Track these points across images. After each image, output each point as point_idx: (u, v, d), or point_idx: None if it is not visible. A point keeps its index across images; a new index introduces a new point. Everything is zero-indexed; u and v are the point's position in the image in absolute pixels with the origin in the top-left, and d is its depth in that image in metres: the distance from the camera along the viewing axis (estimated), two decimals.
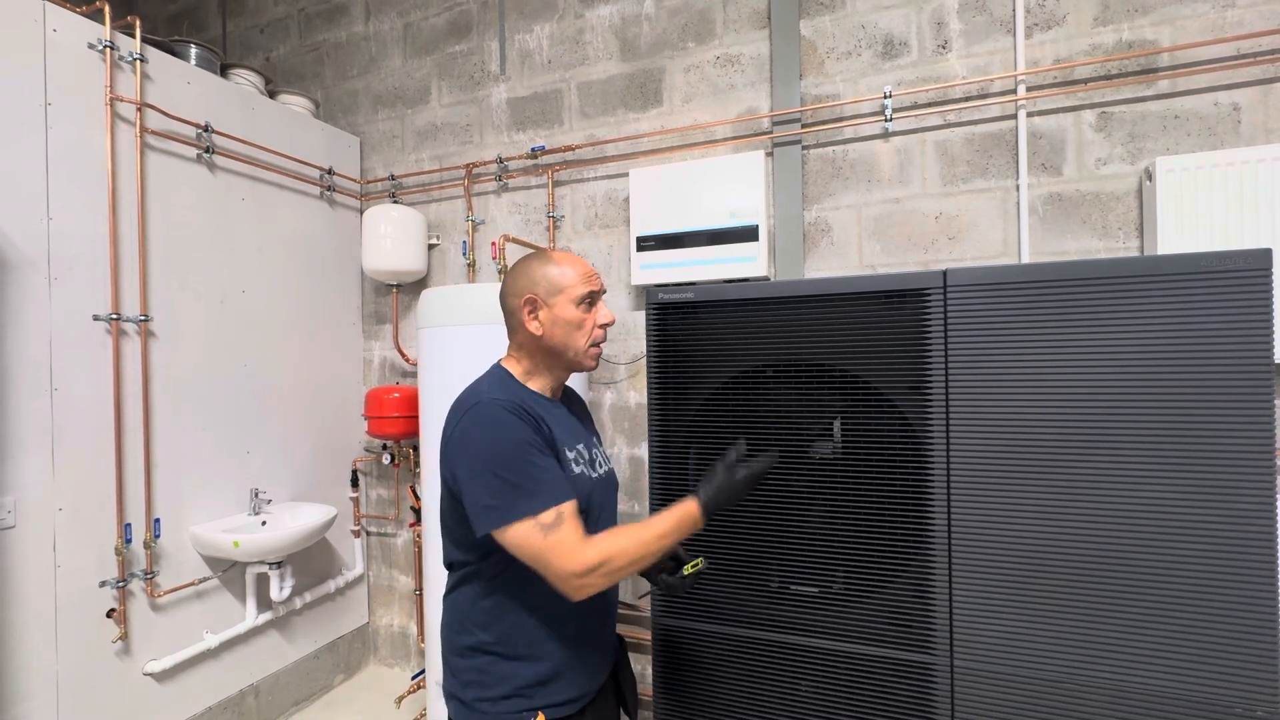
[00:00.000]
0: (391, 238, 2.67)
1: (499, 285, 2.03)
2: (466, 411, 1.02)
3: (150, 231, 2.12)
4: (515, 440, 0.97)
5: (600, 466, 1.18)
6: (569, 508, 0.97)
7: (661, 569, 1.23)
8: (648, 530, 1.01)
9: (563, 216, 2.58)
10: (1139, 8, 1.84)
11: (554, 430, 1.06)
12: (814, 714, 1.38)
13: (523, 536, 0.95)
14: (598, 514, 1.11)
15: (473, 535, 1.00)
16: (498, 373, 1.13)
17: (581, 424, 1.21)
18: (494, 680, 1.04)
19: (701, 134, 2.35)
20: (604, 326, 1.13)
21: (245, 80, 2.62)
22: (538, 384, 1.13)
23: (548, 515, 0.95)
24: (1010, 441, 1.24)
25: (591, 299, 1.11)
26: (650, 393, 1.55)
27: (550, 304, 1.08)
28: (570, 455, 1.08)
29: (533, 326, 1.08)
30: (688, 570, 1.19)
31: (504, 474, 0.96)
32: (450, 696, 1.09)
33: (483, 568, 1.06)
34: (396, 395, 2.60)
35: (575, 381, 2.05)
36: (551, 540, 0.94)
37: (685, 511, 1.04)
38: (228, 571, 2.33)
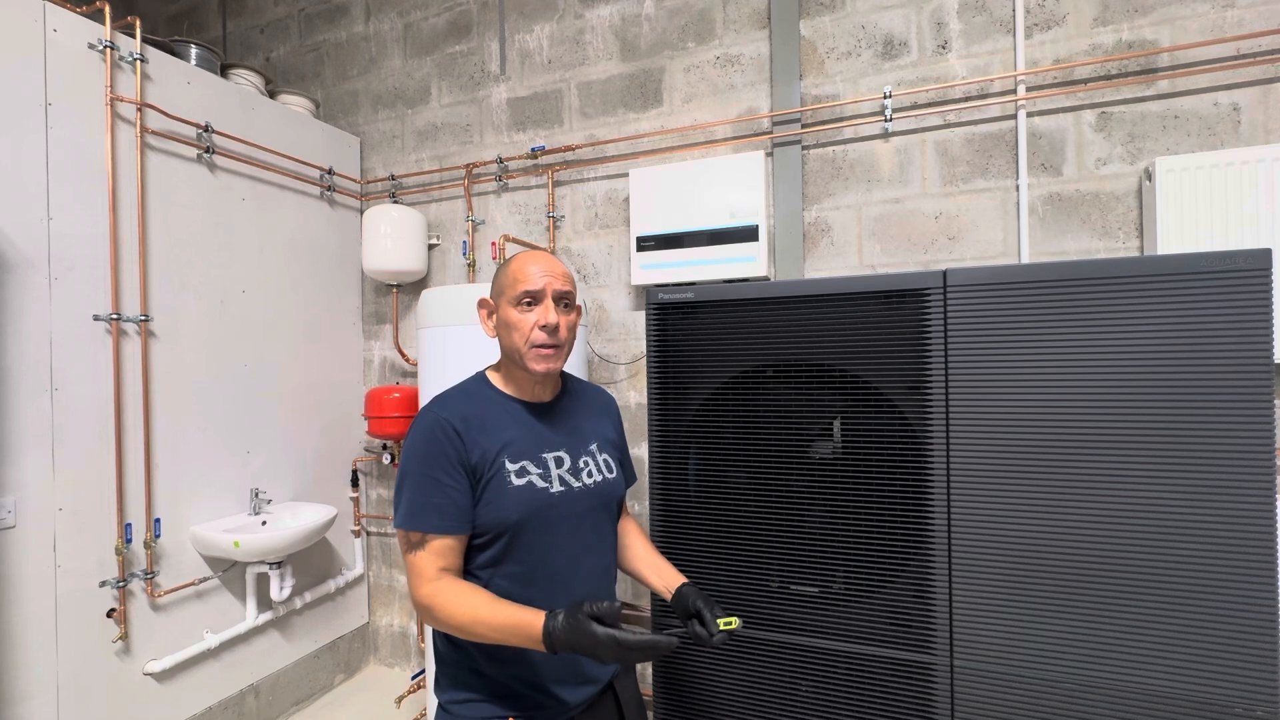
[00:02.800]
0: (391, 238, 2.67)
1: None
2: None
3: (150, 231, 2.12)
4: (421, 456, 1.02)
5: (589, 475, 1.12)
6: (436, 543, 0.99)
7: (688, 617, 1.08)
8: (485, 612, 0.94)
9: (563, 216, 2.58)
10: (1139, 8, 1.84)
11: (493, 444, 1.03)
12: (814, 714, 1.38)
13: (399, 539, 1.03)
14: (556, 528, 1.06)
15: None
16: (472, 378, 1.16)
17: (564, 430, 1.14)
18: (463, 685, 1.06)
19: (701, 134, 2.35)
20: (543, 328, 1.05)
21: (245, 80, 2.62)
22: (512, 387, 1.12)
23: (414, 535, 1.00)
24: (1010, 441, 1.24)
25: (531, 299, 1.06)
26: (650, 393, 1.55)
27: (498, 306, 1.11)
28: (513, 467, 1.03)
29: (486, 329, 1.14)
30: (722, 625, 1.04)
31: (404, 479, 1.03)
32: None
33: None
34: (396, 395, 2.60)
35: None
36: (410, 558, 1.01)
37: (526, 625, 0.91)
38: (228, 571, 2.33)
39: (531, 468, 1.06)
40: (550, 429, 1.12)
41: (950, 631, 1.28)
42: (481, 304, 1.14)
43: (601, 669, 1.13)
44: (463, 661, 1.06)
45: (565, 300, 1.09)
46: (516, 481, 1.04)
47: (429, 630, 2.22)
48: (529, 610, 0.92)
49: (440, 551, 0.99)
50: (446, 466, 1.01)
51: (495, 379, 1.14)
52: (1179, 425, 1.14)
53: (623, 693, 1.18)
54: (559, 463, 1.09)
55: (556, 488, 1.07)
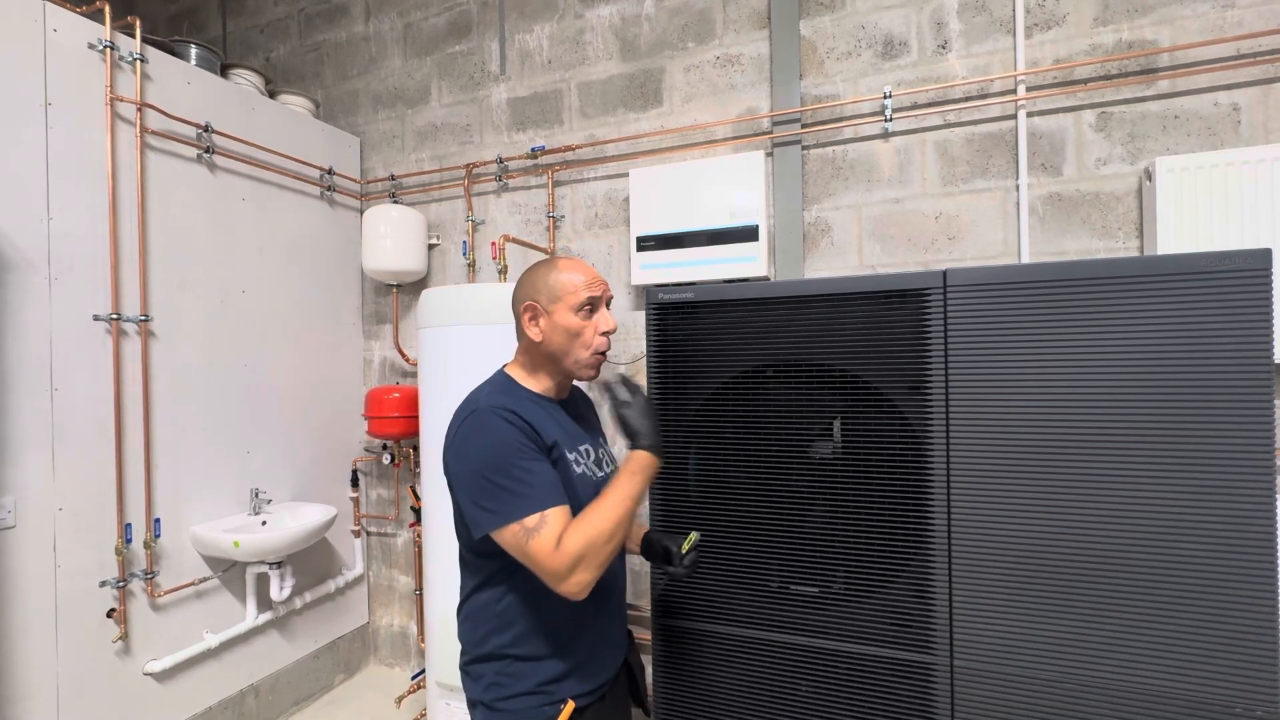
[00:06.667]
0: (391, 238, 2.67)
1: (499, 285, 2.05)
2: (464, 419, 1.06)
3: (150, 231, 2.12)
4: (505, 445, 1.00)
5: (607, 466, 1.20)
6: (555, 512, 0.98)
7: (660, 559, 1.22)
8: (607, 501, 1.01)
9: (563, 216, 2.58)
10: (1139, 8, 1.84)
11: (552, 434, 1.07)
12: (814, 714, 1.38)
13: (510, 539, 0.99)
14: None
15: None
16: (499, 378, 1.16)
17: (584, 425, 1.23)
18: (514, 680, 1.07)
19: (701, 134, 2.35)
20: (606, 334, 1.12)
21: (245, 80, 2.62)
22: (540, 386, 1.15)
23: (531, 519, 0.97)
24: (1010, 441, 1.24)
25: (592, 305, 1.11)
26: (650, 393, 1.55)
27: (550, 311, 1.10)
28: (571, 456, 1.10)
29: (532, 333, 1.11)
30: (685, 548, 1.18)
31: (493, 478, 0.99)
32: (474, 704, 1.12)
33: (494, 571, 1.08)
34: (396, 395, 2.60)
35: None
36: (534, 544, 0.97)
37: (638, 468, 1.04)
38: (228, 571, 2.33)
39: (580, 457, 1.13)
40: (574, 424, 1.18)
41: (950, 631, 1.28)
42: (527, 308, 1.12)
43: (622, 639, 1.23)
44: (505, 660, 1.08)
45: (609, 305, 1.17)
46: (577, 469, 1.10)
47: (430, 630, 2.21)
48: (621, 466, 1.06)
49: (560, 522, 0.99)
50: (533, 448, 1.02)
51: (519, 377, 1.15)
52: (1179, 425, 1.14)
53: (632, 666, 1.27)
54: (587, 454, 1.16)
55: (597, 475, 1.15)
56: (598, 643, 1.14)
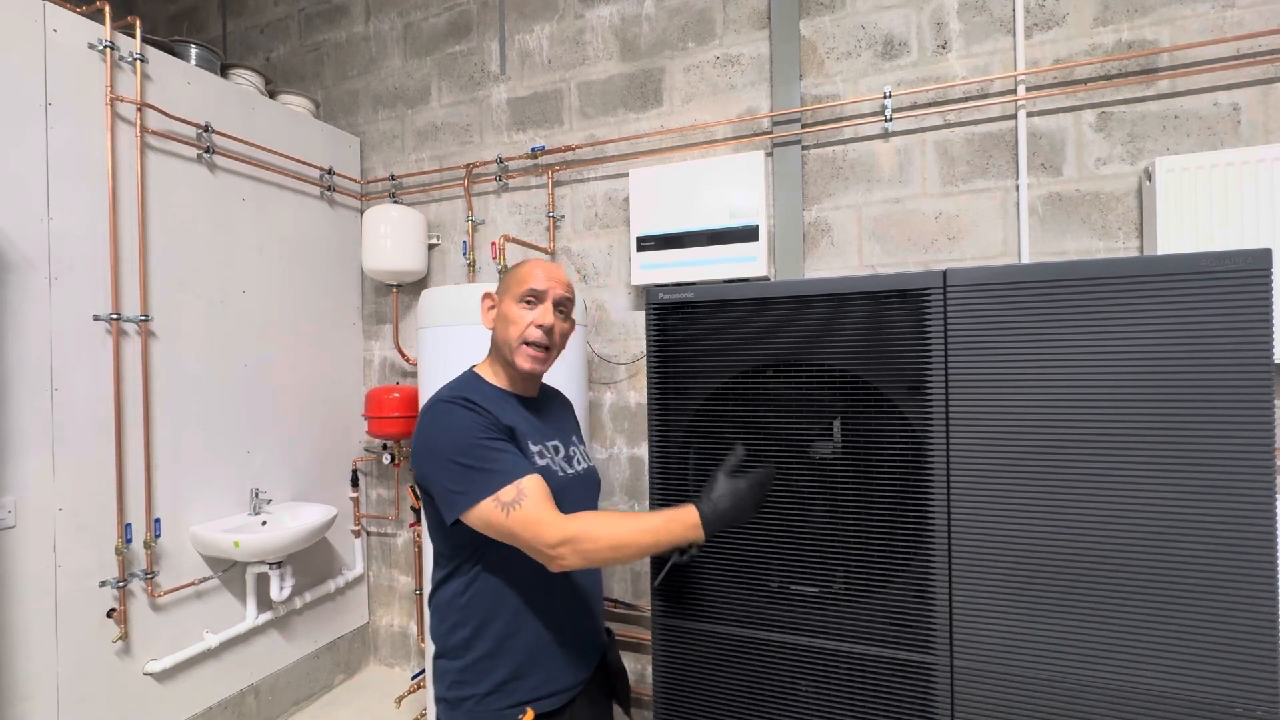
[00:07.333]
0: (391, 238, 2.67)
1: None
2: (424, 412, 1.08)
3: (150, 231, 2.12)
4: (466, 428, 1.02)
5: (578, 464, 1.20)
6: (530, 483, 0.99)
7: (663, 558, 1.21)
8: (632, 523, 1.00)
9: (563, 216, 2.58)
10: (1139, 8, 1.84)
11: (510, 420, 1.08)
12: (814, 714, 1.38)
13: (487, 515, 0.98)
14: (570, 509, 1.10)
15: (452, 527, 1.03)
16: (465, 374, 1.19)
17: (556, 423, 1.23)
18: (475, 678, 1.06)
19: (701, 134, 2.35)
20: (539, 327, 1.11)
21: (245, 80, 2.62)
22: (504, 381, 1.17)
23: (507, 492, 0.98)
24: (1010, 441, 1.24)
25: (535, 298, 1.12)
26: (650, 393, 1.55)
27: (500, 300, 1.15)
28: (535, 449, 1.10)
29: (485, 320, 1.18)
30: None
31: (461, 460, 1.00)
32: (438, 700, 1.11)
33: (460, 563, 1.08)
34: (396, 395, 2.60)
35: (574, 383, 2.06)
36: (515, 516, 0.96)
37: (682, 517, 1.01)
38: (228, 571, 2.33)
39: (547, 451, 1.12)
40: (541, 420, 1.18)
41: (950, 631, 1.28)
42: (486, 296, 1.19)
43: (598, 639, 1.22)
44: (469, 656, 1.07)
45: (563, 308, 1.16)
46: (540, 461, 1.09)
47: (429, 630, 2.22)
48: (672, 508, 1.03)
49: (542, 492, 0.99)
50: (493, 429, 1.03)
51: (486, 374, 1.18)
52: (1179, 425, 1.14)
53: (610, 669, 1.25)
54: (555, 450, 1.15)
55: (566, 470, 1.14)
56: (565, 639, 1.11)
